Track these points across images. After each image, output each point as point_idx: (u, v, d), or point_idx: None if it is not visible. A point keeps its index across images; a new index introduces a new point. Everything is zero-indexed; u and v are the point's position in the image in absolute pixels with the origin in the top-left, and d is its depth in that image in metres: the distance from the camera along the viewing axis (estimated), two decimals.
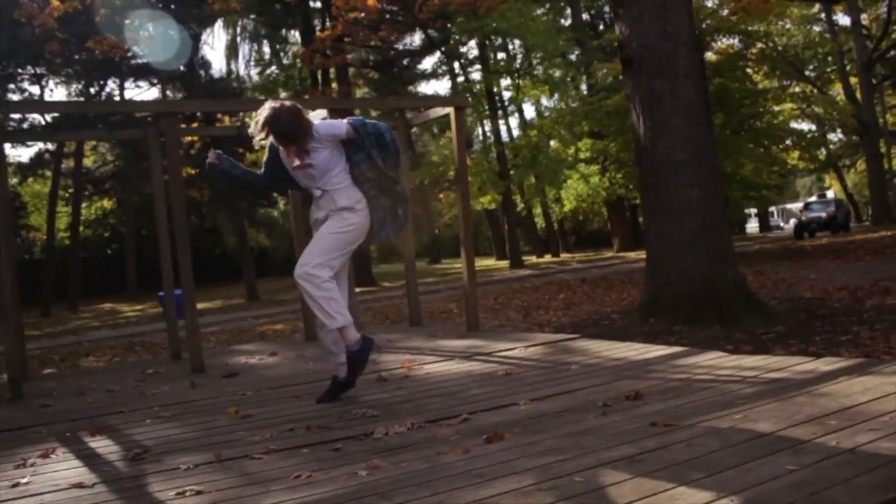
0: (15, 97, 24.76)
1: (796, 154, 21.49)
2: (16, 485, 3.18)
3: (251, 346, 7.90)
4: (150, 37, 20.36)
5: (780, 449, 2.54)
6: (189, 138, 21.51)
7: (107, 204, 30.47)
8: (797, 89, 27.33)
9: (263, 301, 21.69)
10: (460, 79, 24.10)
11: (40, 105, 21.34)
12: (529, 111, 28.06)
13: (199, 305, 19.80)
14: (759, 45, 22.86)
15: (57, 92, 27.71)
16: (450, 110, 6.74)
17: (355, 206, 4.18)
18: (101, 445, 3.76)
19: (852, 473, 2.25)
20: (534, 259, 26.83)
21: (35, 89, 24.10)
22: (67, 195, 27.74)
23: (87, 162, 29.12)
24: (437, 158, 23.38)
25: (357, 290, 19.34)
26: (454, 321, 10.00)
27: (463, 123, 6.72)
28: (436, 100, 7.64)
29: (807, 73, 29.55)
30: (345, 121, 4.16)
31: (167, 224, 6.58)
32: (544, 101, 21.28)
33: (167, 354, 7.86)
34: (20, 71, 23.74)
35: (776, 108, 19.53)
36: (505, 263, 22.96)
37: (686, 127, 7.67)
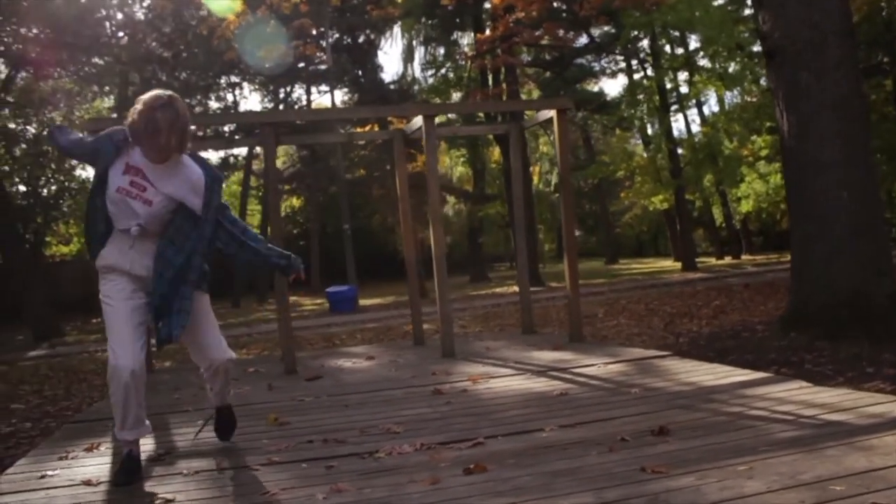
0: (214, 104, 26.98)
1: None
2: (42, 476, 3.40)
3: (360, 349, 8.01)
4: (329, 44, 21.37)
5: None
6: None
7: (295, 202, 32.37)
8: None
9: (430, 299, 22.08)
10: (638, 75, 23.34)
11: (240, 116, 23.13)
12: (705, 107, 26.60)
13: (369, 301, 20.69)
14: None
15: (251, 98, 29.82)
16: (552, 113, 6.46)
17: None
18: (142, 443, 3.93)
19: None
20: (712, 261, 25.40)
21: (229, 97, 25.98)
22: (259, 194, 29.77)
23: (277, 163, 31.10)
24: (606, 158, 22.74)
25: (518, 289, 19.34)
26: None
27: (566, 126, 6.43)
28: (539, 103, 7.35)
29: None
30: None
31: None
32: (720, 97, 20.08)
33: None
34: (218, 81, 25.80)
35: None
36: (678, 265, 21.91)
37: (835, 123, 6.89)
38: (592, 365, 5.19)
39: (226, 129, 24.13)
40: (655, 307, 11.82)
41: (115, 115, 21.98)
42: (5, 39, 16.46)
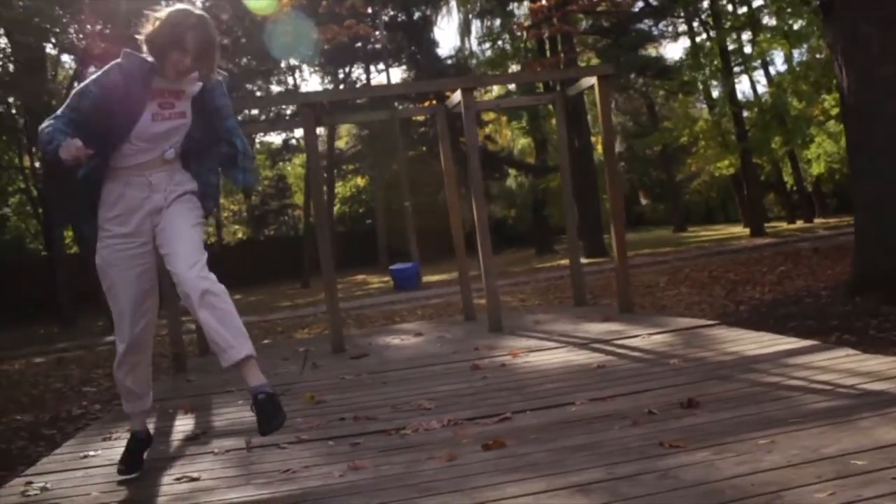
0: (276, 88, 27.35)
1: None
2: (84, 456, 3.53)
3: (411, 325, 8.04)
4: (385, 23, 21.38)
5: (750, 495, 2.08)
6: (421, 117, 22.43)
7: (360, 181, 32.69)
8: None
9: (496, 273, 22.00)
10: (700, 37, 22.57)
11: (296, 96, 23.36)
12: (770, 67, 25.50)
13: (435, 277, 20.76)
14: None
15: (311, 80, 30.11)
16: (594, 80, 6.30)
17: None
18: (181, 423, 4.05)
19: None
20: (783, 226, 24.56)
21: (290, 80, 26.25)
22: (324, 175, 30.11)
23: (340, 143, 31.42)
24: (668, 124, 22.13)
25: (585, 261, 19.16)
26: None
27: (608, 93, 6.26)
28: (580, 70, 7.15)
29: None
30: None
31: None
32: (787, 55, 19.23)
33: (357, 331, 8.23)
34: (278, 65, 26.12)
35: None
36: (747, 231, 21.28)
37: None
38: (637, 336, 5.09)
39: (288, 111, 24.43)
40: (718, 275, 11.52)
41: None
42: (71, 36, 16.97)
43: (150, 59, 2.90)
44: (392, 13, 24.29)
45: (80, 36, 17.80)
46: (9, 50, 17.45)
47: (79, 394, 7.49)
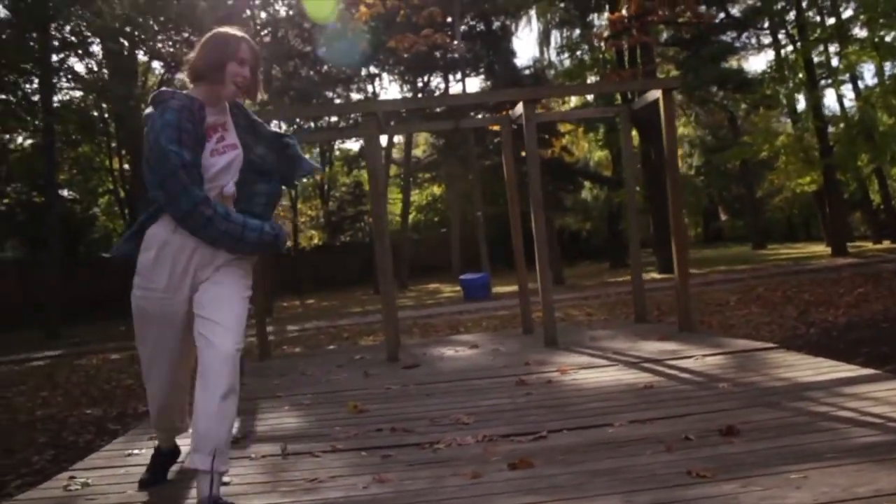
0: (356, 96, 27.78)
1: None
2: (129, 454, 3.65)
3: (469, 337, 8.01)
4: (464, 32, 21.49)
5: None
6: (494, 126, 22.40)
7: (436, 190, 32.86)
8: None
9: (567, 286, 21.83)
10: (787, 49, 21.91)
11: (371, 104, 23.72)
12: (859, 81, 24.38)
13: (507, 288, 20.75)
14: None
15: (391, 88, 30.48)
16: (658, 93, 6.19)
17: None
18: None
19: None
20: (868, 245, 23.52)
21: (369, 88, 26.62)
22: (399, 182, 30.41)
23: (417, 152, 31.69)
24: (748, 139, 21.48)
25: (658, 276, 18.75)
26: (694, 320, 9.19)
27: (672, 106, 6.13)
28: (644, 83, 7.01)
29: None
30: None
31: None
32: (878, 68, 18.36)
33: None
34: (359, 73, 26.54)
35: None
36: (828, 250, 20.47)
37: None
38: (690, 357, 4.95)
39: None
40: (792, 295, 11.12)
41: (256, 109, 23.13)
42: (159, 44, 17.61)
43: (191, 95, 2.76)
44: (471, 23, 24.40)
45: (169, 43, 18.46)
46: (100, 57, 18.25)
47: (144, 393, 7.73)
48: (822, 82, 19.25)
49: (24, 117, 18.10)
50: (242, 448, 3.61)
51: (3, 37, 16.07)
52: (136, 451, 3.67)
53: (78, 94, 18.51)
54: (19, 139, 21.33)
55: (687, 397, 3.85)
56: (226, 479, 3.06)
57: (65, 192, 25.77)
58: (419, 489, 2.71)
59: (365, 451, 3.36)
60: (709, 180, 31.29)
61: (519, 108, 6.65)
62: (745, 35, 21.83)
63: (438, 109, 22.07)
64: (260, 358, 7.18)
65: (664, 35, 22.04)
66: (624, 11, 18.45)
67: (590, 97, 22.42)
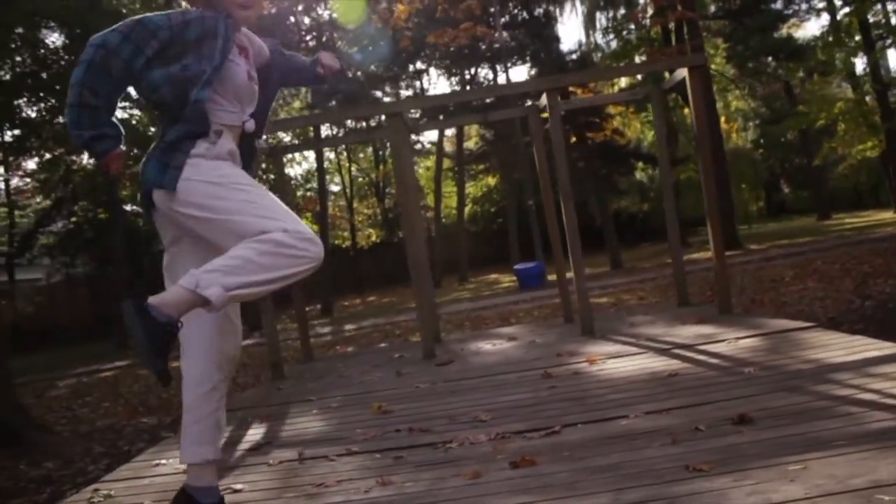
0: (405, 93, 27.89)
1: None
2: (156, 465, 3.75)
3: (509, 329, 7.96)
4: (506, 21, 21.35)
5: None
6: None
7: (491, 181, 32.75)
8: None
9: (626, 269, 21.51)
10: (843, 12, 21.05)
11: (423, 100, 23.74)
12: None
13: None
14: None
15: (440, 82, 30.47)
16: (684, 71, 6.03)
17: None
18: (252, 433, 4.20)
19: None
20: None
21: (415, 83, 26.68)
22: (453, 175, 30.41)
23: (470, 144, 31.63)
24: (803, 108, 20.71)
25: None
26: (747, 299, 8.96)
27: (700, 84, 5.96)
28: (668, 62, 6.82)
29: None
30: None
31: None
32: None
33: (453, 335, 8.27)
34: (406, 69, 26.64)
35: None
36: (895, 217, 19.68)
37: None
38: (723, 341, 4.82)
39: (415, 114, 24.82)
40: (851, 267, 10.74)
41: (305, 113, 23.43)
42: None
43: None
44: (514, 11, 24.21)
45: None
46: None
47: None
48: (880, 43, 18.49)
49: None
50: (264, 454, 3.67)
51: (62, 62, 16.58)
52: (163, 461, 3.75)
53: (134, 112, 18.99)
54: (83, 159, 22.02)
55: (710, 384, 3.75)
56: (238, 486, 3.13)
57: (128, 208, 26.56)
58: (417, 492, 2.71)
59: (379, 454, 3.37)
60: (768, 153, 30.40)
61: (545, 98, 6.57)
62: (795, 1, 21.05)
63: (489, 100, 21.96)
64: (304, 361, 7.28)
65: (712, 7, 21.48)
66: None
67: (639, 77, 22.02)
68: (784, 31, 21.65)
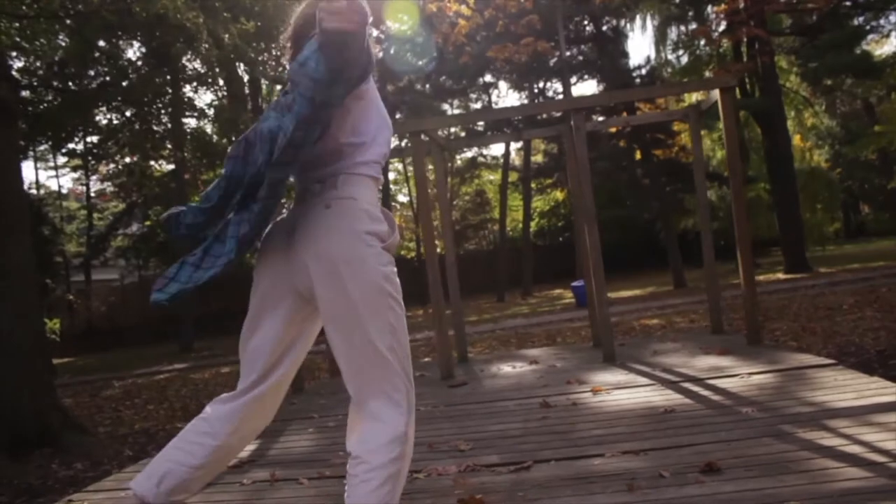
0: (475, 106, 27.93)
1: None
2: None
3: (536, 351, 7.80)
4: (573, 36, 21.17)
5: None
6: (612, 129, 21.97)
7: (559, 195, 32.41)
8: None
9: (688, 289, 20.96)
10: None
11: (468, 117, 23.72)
12: None
13: (626, 293, 20.23)
14: None
15: (509, 95, 30.44)
16: (715, 93, 5.84)
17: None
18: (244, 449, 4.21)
19: None
20: None
21: (484, 96, 26.70)
22: (519, 188, 30.24)
23: (538, 157, 31.44)
24: (879, 128, 19.72)
25: (783, 277, 17.72)
26: (798, 326, 8.57)
27: (731, 106, 5.75)
28: (700, 84, 6.57)
29: None
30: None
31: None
32: None
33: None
34: (475, 83, 26.66)
35: None
36: None
37: None
38: (735, 375, 4.62)
39: (480, 126, 24.84)
40: None
41: None
42: (266, 66, 18.33)
43: None
44: (583, 25, 23.98)
45: (280, 69, 19.20)
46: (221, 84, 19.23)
47: None
48: None
49: (159, 146, 19.34)
50: (242, 473, 3.68)
51: (142, 72, 17.22)
52: None
53: (200, 122, 19.56)
54: (158, 165, 22.82)
55: (699, 424, 3.59)
56: None
57: None
58: None
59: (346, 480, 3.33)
60: (847, 173, 29.19)
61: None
62: (882, 17, 20.12)
63: (557, 114, 21.82)
64: (330, 375, 7.32)
65: (788, 22, 20.82)
66: (717, 7, 17.62)
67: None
68: (865, 47, 20.80)
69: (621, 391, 4.61)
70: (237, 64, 18.21)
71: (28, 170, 45.32)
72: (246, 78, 20.33)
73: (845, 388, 3.96)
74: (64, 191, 29.71)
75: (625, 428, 3.70)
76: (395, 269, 2.14)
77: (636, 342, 7.20)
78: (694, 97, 23.78)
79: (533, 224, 31.26)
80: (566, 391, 4.80)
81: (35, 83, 16.51)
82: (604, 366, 5.70)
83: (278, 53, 19.22)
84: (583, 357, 6.48)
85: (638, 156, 22.24)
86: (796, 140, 27.47)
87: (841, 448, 2.91)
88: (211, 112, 19.04)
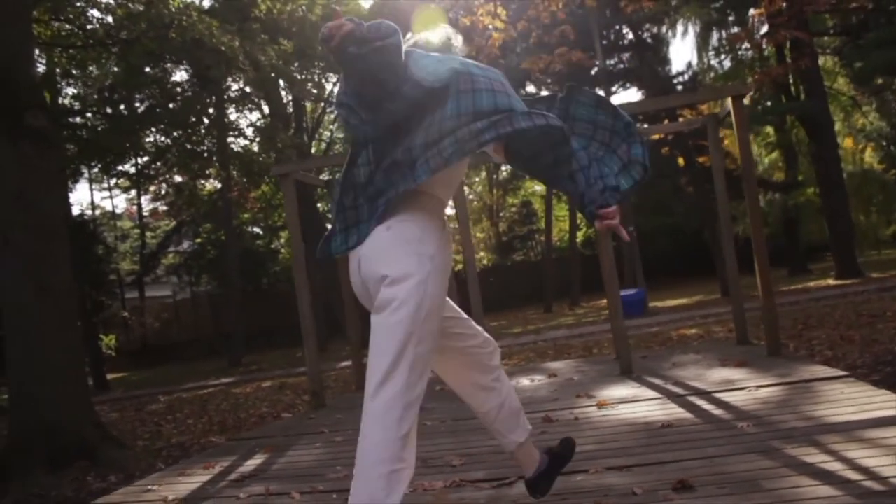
0: None
1: None
2: (147, 490, 3.92)
3: (558, 364, 7.78)
4: (610, 45, 21.06)
5: None
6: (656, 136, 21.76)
7: None
8: None
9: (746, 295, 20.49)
10: None
11: None
12: None
13: (673, 302, 19.90)
14: None
15: None
16: (728, 101, 5.79)
17: None
18: (250, 463, 4.32)
19: None
20: None
21: None
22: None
23: None
24: None
25: (832, 282, 17.29)
26: (837, 335, 8.36)
27: (744, 114, 5.69)
28: (711, 93, 6.48)
29: None
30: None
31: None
32: None
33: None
34: (518, 93, 26.64)
35: None
36: None
37: None
38: (743, 389, 4.56)
39: None
40: None
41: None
42: (307, 85, 18.64)
43: None
44: (623, 33, 23.85)
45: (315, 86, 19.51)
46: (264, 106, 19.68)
47: (277, 418, 8.15)
48: None
49: (206, 164, 19.84)
50: (240, 487, 3.77)
51: (188, 94, 17.73)
52: (153, 488, 3.93)
53: (244, 141, 20.01)
54: (206, 183, 23.38)
55: (692, 440, 3.56)
56: None
57: (250, 229, 27.92)
58: None
59: (336, 494, 3.41)
60: None
61: None
62: None
63: None
64: (356, 389, 7.40)
65: (831, 23, 20.39)
66: (755, 11, 17.33)
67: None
68: None
69: (626, 405, 4.60)
70: (278, 82, 18.61)
71: (83, 191, 46.79)
72: (289, 97, 20.74)
73: (848, 401, 3.88)
74: (119, 210, 30.54)
75: (616, 443, 3.70)
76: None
77: (659, 354, 7.13)
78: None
79: (580, 234, 31.03)
80: (573, 405, 4.80)
81: (87, 108, 17.14)
82: (619, 379, 5.68)
83: (318, 72, 19.64)
84: (602, 370, 6.45)
85: (681, 162, 21.96)
86: (847, 142, 26.78)
87: (821, 465, 2.87)
88: (249, 131, 19.49)
